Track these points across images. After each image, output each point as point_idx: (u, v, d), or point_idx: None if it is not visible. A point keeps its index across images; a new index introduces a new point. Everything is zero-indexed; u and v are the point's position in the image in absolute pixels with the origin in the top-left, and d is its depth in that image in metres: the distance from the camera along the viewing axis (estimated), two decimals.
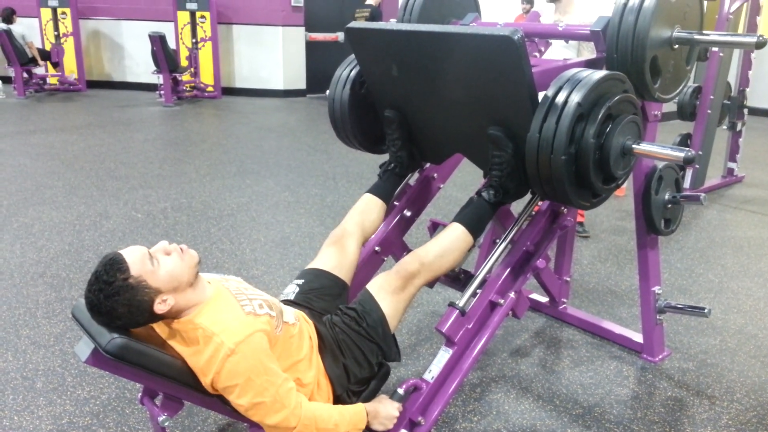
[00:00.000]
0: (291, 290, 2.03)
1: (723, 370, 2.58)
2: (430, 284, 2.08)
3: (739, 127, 5.54)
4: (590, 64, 2.06)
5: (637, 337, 2.71)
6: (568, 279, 2.98)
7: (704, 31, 2.04)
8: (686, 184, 5.15)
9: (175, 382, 1.61)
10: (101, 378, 2.38)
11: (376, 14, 9.65)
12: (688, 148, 1.77)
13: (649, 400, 2.37)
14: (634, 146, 1.80)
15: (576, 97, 1.68)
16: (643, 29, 1.89)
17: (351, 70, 2.32)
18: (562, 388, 2.43)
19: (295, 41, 9.98)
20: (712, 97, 4.95)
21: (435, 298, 3.13)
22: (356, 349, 1.84)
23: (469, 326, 1.98)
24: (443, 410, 1.96)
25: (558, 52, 4.28)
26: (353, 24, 2.12)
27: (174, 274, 1.58)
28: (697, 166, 5.17)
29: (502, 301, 2.02)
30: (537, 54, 2.60)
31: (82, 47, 9.84)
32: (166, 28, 9.09)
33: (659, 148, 1.82)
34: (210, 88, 9.69)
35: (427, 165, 2.48)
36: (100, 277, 1.53)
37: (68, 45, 9.63)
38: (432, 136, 2.26)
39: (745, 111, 5.56)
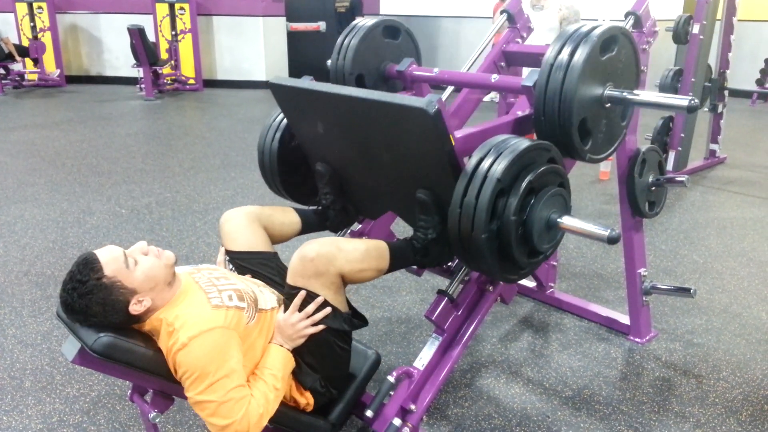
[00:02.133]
0: (229, 268, 1.96)
1: (709, 349, 2.62)
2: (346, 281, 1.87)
3: (720, 109, 5.59)
4: (520, 121, 1.97)
5: (624, 319, 2.73)
6: (555, 264, 3.00)
7: (635, 91, 1.88)
8: (669, 166, 5.20)
9: (163, 378, 1.60)
10: (90, 375, 2.36)
11: (356, 4, 9.61)
12: (612, 229, 1.64)
13: (637, 381, 2.40)
14: (559, 221, 1.71)
15: (496, 171, 1.58)
16: (570, 89, 1.74)
17: (282, 119, 2.20)
18: (552, 371, 2.46)
19: (276, 32, 9.90)
20: (693, 79, 4.98)
21: (424, 285, 3.14)
22: (311, 343, 1.76)
23: (458, 313, 1.99)
24: (435, 397, 1.97)
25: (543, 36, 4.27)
26: (274, 79, 2.00)
27: (150, 275, 1.57)
28: (680, 148, 5.21)
29: (490, 288, 2.03)
30: (519, 40, 2.58)
31: (59, 42, 9.70)
32: (144, 21, 8.98)
33: (585, 224, 1.70)
34: (191, 81, 9.60)
35: (363, 220, 2.39)
36: (74, 276, 1.52)
37: (46, 40, 9.49)
38: (364, 193, 2.15)
39: (726, 93, 5.61)
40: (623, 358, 2.55)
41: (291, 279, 1.75)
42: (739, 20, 5.58)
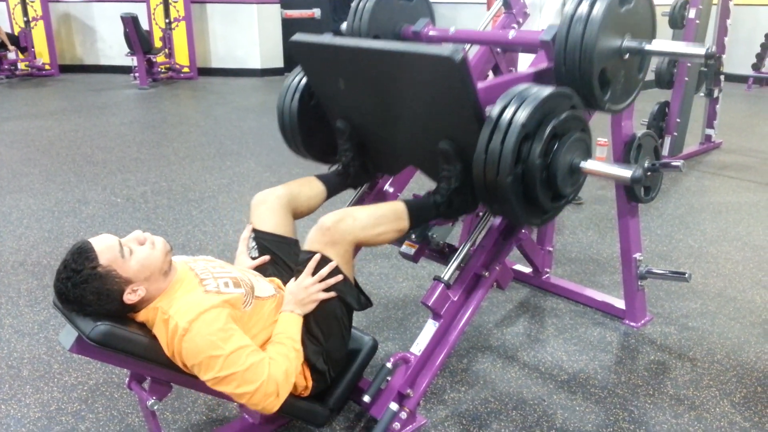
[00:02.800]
0: (251, 247, 2.02)
1: (704, 332, 2.64)
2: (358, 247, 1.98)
3: (716, 94, 5.59)
4: (540, 74, 2.00)
5: (620, 304, 2.75)
6: (551, 249, 3.01)
7: (654, 40, 1.94)
8: (665, 151, 5.20)
9: (161, 365, 1.61)
10: (88, 364, 2.37)
11: None
12: (636, 166, 1.71)
13: (632, 365, 2.42)
14: (581, 165, 1.76)
15: (521, 117, 1.63)
16: (590, 40, 1.81)
17: (300, 79, 2.23)
18: (547, 355, 2.47)
19: (270, 19, 9.84)
20: (689, 64, 4.97)
21: (420, 272, 3.15)
22: (320, 313, 1.79)
23: (455, 299, 2.00)
24: (431, 382, 1.99)
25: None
26: (297, 37, 2.03)
27: (146, 264, 1.57)
28: (676, 133, 5.22)
29: (486, 273, 2.04)
30: (515, 26, 2.57)
31: (53, 31, 9.63)
32: (138, 9, 8.91)
33: (607, 167, 1.78)
34: (186, 69, 9.54)
35: (382, 176, 2.43)
36: (68, 265, 1.53)
37: (38, 29, 9.40)
38: (384, 148, 2.19)
39: (722, 78, 5.61)
40: (618, 342, 2.57)
41: (307, 246, 1.83)
42: (735, 4, 5.57)
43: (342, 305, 1.82)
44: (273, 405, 1.59)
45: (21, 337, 2.57)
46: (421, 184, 2.26)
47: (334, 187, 2.25)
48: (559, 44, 1.87)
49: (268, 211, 2.06)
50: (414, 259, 2.44)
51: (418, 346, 1.96)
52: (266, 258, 2.00)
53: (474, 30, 2.41)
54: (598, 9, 1.81)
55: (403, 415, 1.91)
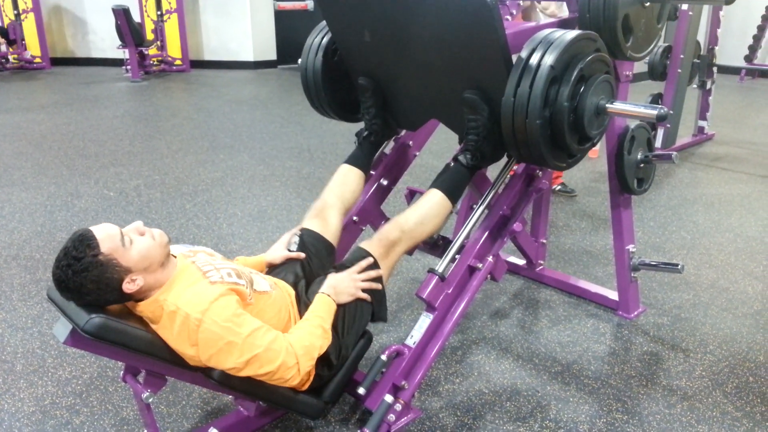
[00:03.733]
0: (293, 241, 2.10)
1: (696, 323, 2.65)
2: (410, 252, 2.09)
3: (708, 86, 5.60)
4: (564, 24, 2.07)
5: (613, 295, 2.76)
6: (545, 241, 3.02)
7: None
8: (658, 143, 5.22)
9: (156, 358, 1.61)
10: (82, 358, 2.36)
11: None
12: (660, 106, 1.77)
13: (625, 356, 2.43)
14: (607, 106, 1.81)
15: (549, 60, 1.67)
16: None
17: (323, 38, 2.27)
18: (541, 347, 2.48)
19: (263, 11, 9.79)
20: (682, 56, 4.99)
21: (414, 265, 3.15)
22: (350, 310, 1.86)
23: (449, 291, 2.00)
24: (426, 374, 1.99)
25: None
26: None
27: (146, 254, 1.57)
28: (669, 125, 5.23)
29: (480, 266, 2.05)
30: (509, 17, 2.57)
31: (43, 23, 9.55)
32: (129, 1, 8.85)
33: (632, 106, 1.83)
34: (178, 62, 9.50)
35: (403, 132, 2.47)
36: (69, 252, 1.51)
37: (29, 21, 9.33)
38: (407, 102, 2.23)
39: (715, 69, 5.62)
40: (612, 334, 2.58)
41: (364, 246, 1.97)
42: None
43: (369, 312, 1.92)
44: (294, 378, 1.64)
45: (14, 331, 2.56)
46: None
47: (366, 163, 2.33)
48: None
49: (322, 223, 2.16)
50: (408, 251, 2.43)
51: (413, 339, 1.97)
52: (302, 255, 2.06)
53: None
54: None
55: (398, 407, 1.91)
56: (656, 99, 5.19)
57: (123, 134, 5.87)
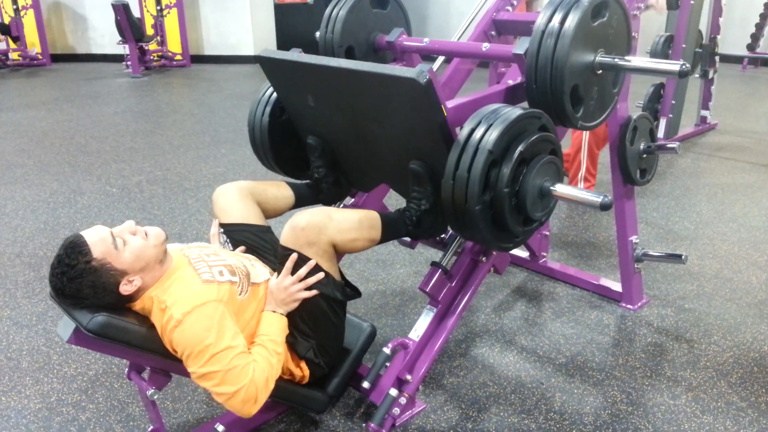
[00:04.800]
0: (221, 241, 1.98)
1: (700, 314, 2.65)
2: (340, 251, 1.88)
3: (711, 75, 5.58)
4: (513, 90, 1.96)
5: (616, 287, 2.76)
6: (547, 233, 3.01)
7: (627, 57, 1.88)
8: (660, 133, 5.20)
9: (159, 355, 1.61)
10: (87, 355, 2.37)
11: None
12: (605, 194, 1.66)
13: (629, 347, 2.43)
14: (552, 189, 1.70)
15: (489, 141, 1.58)
16: (561, 57, 1.74)
17: (271, 93, 2.17)
18: (545, 339, 2.48)
19: (263, 4, 9.76)
20: (684, 45, 4.96)
21: (417, 258, 3.15)
22: (304, 310, 1.78)
23: (452, 284, 2.00)
24: (430, 367, 2.00)
25: None
26: (264, 53, 1.97)
27: (139, 255, 1.56)
28: (671, 114, 5.21)
29: (483, 258, 2.05)
30: (510, 8, 2.55)
31: (43, 20, 9.54)
32: None
33: (577, 192, 1.71)
34: (178, 57, 9.48)
35: (357, 193, 2.38)
36: (62, 260, 1.51)
37: (29, 18, 9.31)
38: (356, 165, 2.14)
39: (717, 58, 5.59)
40: (615, 325, 2.58)
41: (283, 243, 1.78)
42: None
43: (327, 299, 1.79)
44: (250, 410, 1.58)
45: (19, 328, 2.57)
46: (396, 201, 2.22)
47: (303, 197, 2.18)
48: (530, 60, 1.80)
49: (231, 202, 1.99)
50: (411, 245, 2.44)
51: (417, 332, 1.97)
52: (242, 248, 1.96)
53: (449, 41, 2.36)
54: (570, 23, 1.74)
55: (403, 400, 1.92)
56: (658, 89, 5.17)
57: (124, 130, 5.86)
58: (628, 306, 2.69)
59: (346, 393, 2.11)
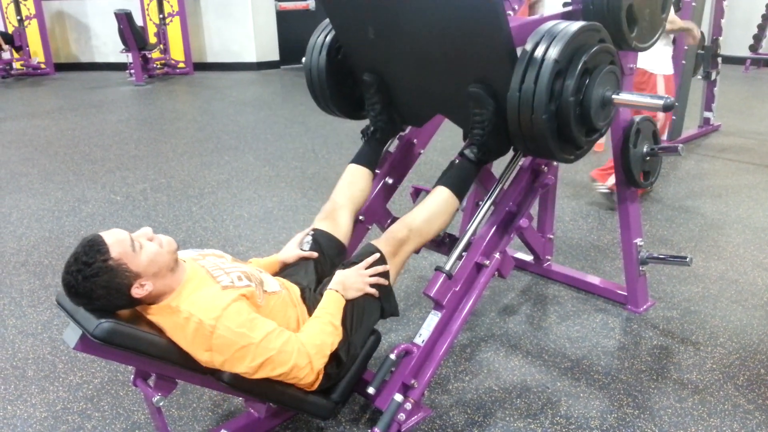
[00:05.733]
0: (306, 241, 2.12)
1: (706, 316, 2.64)
2: (416, 249, 2.09)
3: (713, 76, 5.58)
4: (568, 15, 2.06)
5: (621, 290, 2.75)
6: (552, 236, 3.01)
7: None
8: (664, 135, 5.19)
9: (166, 362, 1.61)
10: (93, 362, 2.38)
11: None
12: (666, 96, 1.78)
13: (635, 350, 2.42)
14: (614, 96, 1.81)
15: (553, 53, 1.67)
16: None
17: (326, 36, 2.27)
18: (550, 343, 2.48)
19: (265, 11, 9.81)
20: (686, 47, 4.96)
21: (422, 263, 3.15)
22: (358, 306, 1.86)
23: (457, 289, 2.00)
24: (435, 372, 1.99)
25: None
26: None
27: (154, 260, 1.58)
28: (674, 117, 5.20)
29: (487, 262, 2.04)
30: (511, 12, 2.56)
31: (46, 29, 9.59)
32: (131, 5, 8.88)
33: (639, 96, 1.83)
34: (181, 65, 9.53)
35: (408, 129, 2.47)
36: (79, 258, 1.52)
37: (32, 27, 9.37)
38: (412, 98, 2.23)
39: (719, 60, 5.59)
40: (621, 328, 2.58)
41: (375, 242, 1.96)
42: None
43: (378, 308, 1.92)
44: (308, 377, 1.66)
45: (25, 337, 2.58)
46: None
47: (374, 161, 2.33)
48: None
49: (333, 224, 2.16)
50: (415, 250, 2.43)
51: (421, 337, 1.97)
52: (314, 254, 2.07)
53: None
54: None
55: (408, 405, 1.91)
56: None
57: (128, 138, 5.88)
58: (634, 309, 2.69)
59: (351, 399, 2.11)
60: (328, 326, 1.73)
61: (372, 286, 1.89)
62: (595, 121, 1.79)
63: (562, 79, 1.70)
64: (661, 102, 1.76)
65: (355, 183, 2.27)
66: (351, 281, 1.85)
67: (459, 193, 2.02)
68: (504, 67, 1.77)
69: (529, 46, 1.72)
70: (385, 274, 1.91)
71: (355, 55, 2.23)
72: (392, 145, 2.47)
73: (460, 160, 2.04)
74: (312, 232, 2.14)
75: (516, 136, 1.82)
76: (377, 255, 1.91)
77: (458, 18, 1.82)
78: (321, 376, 1.80)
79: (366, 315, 1.89)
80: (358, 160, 2.31)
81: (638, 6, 1.99)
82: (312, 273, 2.04)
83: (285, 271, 2.05)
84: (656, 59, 3.84)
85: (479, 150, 2.00)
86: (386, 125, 2.31)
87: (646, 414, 2.06)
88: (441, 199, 2.01)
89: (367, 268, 1.89)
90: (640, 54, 3.76)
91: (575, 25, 1.72)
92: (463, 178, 2.04)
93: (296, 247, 2.11)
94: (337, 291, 1.83)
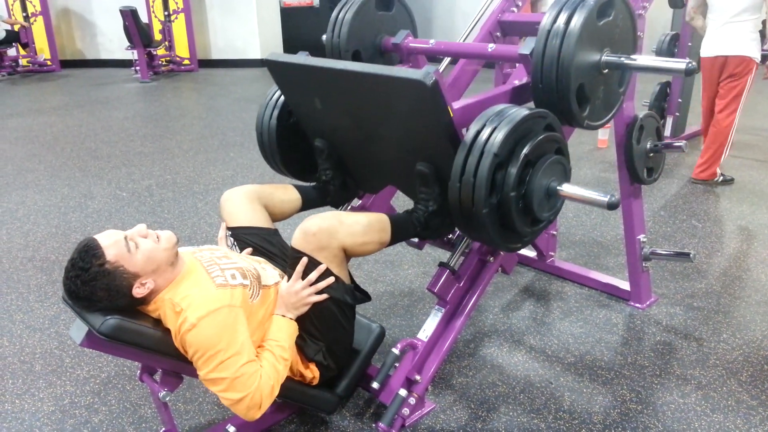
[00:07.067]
0: (228, 244, 2.00)
1: (709, 312, 2.65)
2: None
3: None
4: (519, 90, 1.96)
5: (625, 285, 2.76)
6: (555, 233, 3.02)
7: (633, 56, 1.88)
8: (667, 132, 5.19)
9: (171, 357, 1.63)
10: (99, 357, 2.40)
11: None
12: (612, 194, 1.66)
13: (638, 346, 2.43)
14: (558, 189, 1.71)
15: (494, 144, 1.58)
16: (567, 56, 1.74)
17: (279, 96, 2.19)
18: (554, 338, 2.49)
19: (269, 8, 9.81)
20: (689, 44, 4.95)
21: (425, 258, 3.16)
22: (315, 311, 1.79)
23: (460, 285, 2.01)
24: (439, 367, 2.01)
25: None
26: (271, 56, 2.00)
27: (151, 257, 1.58)
28: (677, 113, 5.20)
29: (491, 259, 2.05)
30: (515, 9, 2.56)
31: (52, 26, 9.62)
32: (137, 2, 8.89)
33: (584, 191, 1.71)
34: (186, 62, 9.54)
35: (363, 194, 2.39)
36: (76, 263, 1.53)
37: (38, 24, 9.40)
38: (363, 167, 2.16)
39: None
40: (624, 324, 2.58)
41: (294, 246, 1.79)
42: None
43: (337, 303, 1.81)
44: (254, 415, 1.60)
45: (32, 332, 2.60)
46: (403, 202, 2.24)
47: (310, 200, 2.18)
48: (536, 60, 1.81)
49: (238, 206, 2.01)
50: (419, 245, 2.45)
51: (425, 332, 1.98)
52: (249, 250, 1.98)
53: (454, 42, 2.37)
54: (575, 22, 1.74)
55: (412, 400, 1.93)
56: (664, 88, 5.16)
57: (134, 135, 5.91)
58: (637, 305, 2.69)
59: (355, 393, 2.13)
60: (279, 362, 1.67)
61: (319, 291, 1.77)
62: (538, 212, 1.70)
63: (504, 170, 1.62)
64: (605, 199, 1.65)
65: (278, 187, 2.13)
66: (292, 301, 1.75)
67: (394, 233, 1.86)
68: (447, 151, 1.70)
69: (470, 134, 1.63)
70: (324, 274, 1.76)
71: (305, 121, 2.16)
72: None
73: (408, 215, 1.92)
74: (228, 232, 2.01)
75: (459, 225, 1.77)
76: (304, 261, 1.75)
77: (398, 102, 1.75)
78: (317, 374, 1.83)
79: (328, 316, 1.80)
80: (296, 185, 2.19)
81: (591, 85, 1.87)
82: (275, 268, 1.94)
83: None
84: (755, 47, 4.00)
85: (420, 224, 1.89)
86: (339, 190, 2.19)
87: (649, 409, 2.07)
88: (378, 219, 1.85)
89: (303, 277, 1.75)
90: (744, 40, 3.98)
91: (519, 113, 1.63)
92: (403, 226, 1.89)
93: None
94: (283, 315, 1.76)
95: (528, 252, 3.05)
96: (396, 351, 1.90)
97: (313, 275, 1.74)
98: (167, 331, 1.61)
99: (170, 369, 1.72)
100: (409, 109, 1.74)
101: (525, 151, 1.62)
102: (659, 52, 4.97)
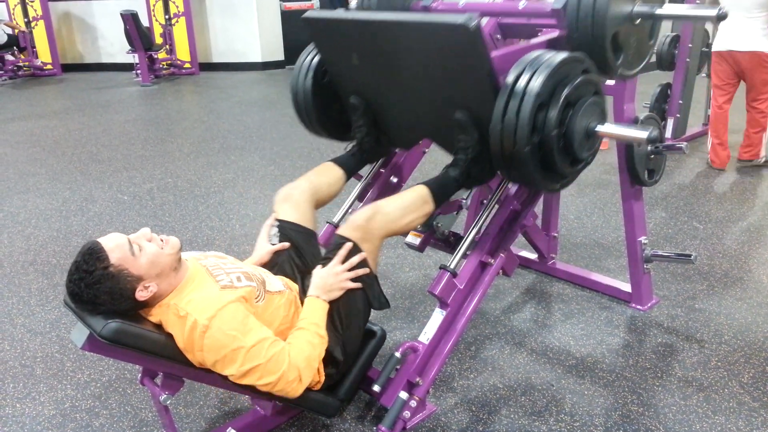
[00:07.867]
0: (272, 234, 2.08)
1: (711, 314, 2.64)
2: (387, 236, 1.98)
3: None
4: (553, 42, 2.00)
5: (626, 287, 2.75)
6: (556, 235, 3.02)
7: (666, 4, 1.97)
8: (668, 133, 5.18)
9: (172, 361, 1.63)
10: (101, 361, 2.40)
11: None
12: (651, 127, 1.73)
13: (640, 348, 2.43)
14: (597, 128, 1.77)
15: (535, 86, 1.64)
16: (602, 5, 1.82)
17: (313, 58, 2.24)
18: (555, 341, 2.48)
19: (270, 11, 9.82)
20: (690, 45, 4.95)
21: (426, 261, 3.16)
22: (343, 303, 1.83)
23: (461, 287, 2.01)
24: (440, 370, 2.01)
25: None
26: (309, 13, 2.04)
27: (155, 261, 1.59)
28: (678, 115, 5.19)
29: (492, 261, 2.05)
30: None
31: (53, 30, 9.64)
32: (137, 6, 8.92)
33: (622, 129, 1.81)
34: (187, 65, 9.55)
35: (397, 150, 2.45)
36: (80, 266, 1.54)
37: (39, 29, 9.42)
38: (398, 122, 2.20)
39: None
40: (625, 326, 2.58)
41: (339, 234, 1.89)
42: None
43: (364, 299, 1.87)
44: (296, 390, 1.64)
45: (33, 336, 2.60)
46: (433, 158, 2.28)
47: (351, 168, 2.29)
48: (571, 11, 1.88)
49: (296, 206, 2.11)
50: (419, 248, 2.44)
51: (426, 335, 1.98)
52: (286, 245, 2.04)
53: (483, 2, 2.39)
54: None
55: (413, 403, 1.93)
56: (665, 89, 5.16)
57: (135, 138, 5.92)
58: (638, 306, 2.69)
59: (356, 396, 2.13)
60: (315, 338, 1.70)
61: (354, 279, 1.83)
62: (579, 152, 1.77)
63: (544, 111, 1.68)
64: (645, 134, 1.72)
65: (322, 174, 2.22)
66: (329, 282, 1.80)
67: (437, 198, 1.96)
68: (487, 98, 1.75)
69: (511, 78, 1.69)
70: (363, 263, 1.84)
71: (340, 79, 2.21)
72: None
73: (446, 171, 2.00)
74: (276, 223, 2.08)
75: (500, 165, 1.81)
76: (349, 245, 1.83)
77: (440, 50, 1.79)
78: (322, 379, 1.82)
79: (353, 310, 1.85)
80: (334, 159, 2.28)
81: (624, 34, 1.94)
82: (293, 267, 2.02)
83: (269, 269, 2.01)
84: (767, 42, 4.11)
85: (461, 174, 1.95)
86: (372, 147, 2.27)
87: (651, 411, 2.07)
88: (417, 194, 1.95)
89: (342, 262, 1.83)
90: (756, 36, 4.08)
91: (558, 57, 1.69)
92: (444, 188, 1.98)
93: (266, 243, 2.07)
94: (318, 297, 1.79)
95: (529, 254, 3.05)
96: (397, 354, 1.91)
97: (355, 260, 1.82)
98: (169, 335, 1.62)
99: (171, 372, 1.72)
100: (451, 55, 1.78)
101: (565, 92, 1.68)
102: (659, 54, 4.97)
